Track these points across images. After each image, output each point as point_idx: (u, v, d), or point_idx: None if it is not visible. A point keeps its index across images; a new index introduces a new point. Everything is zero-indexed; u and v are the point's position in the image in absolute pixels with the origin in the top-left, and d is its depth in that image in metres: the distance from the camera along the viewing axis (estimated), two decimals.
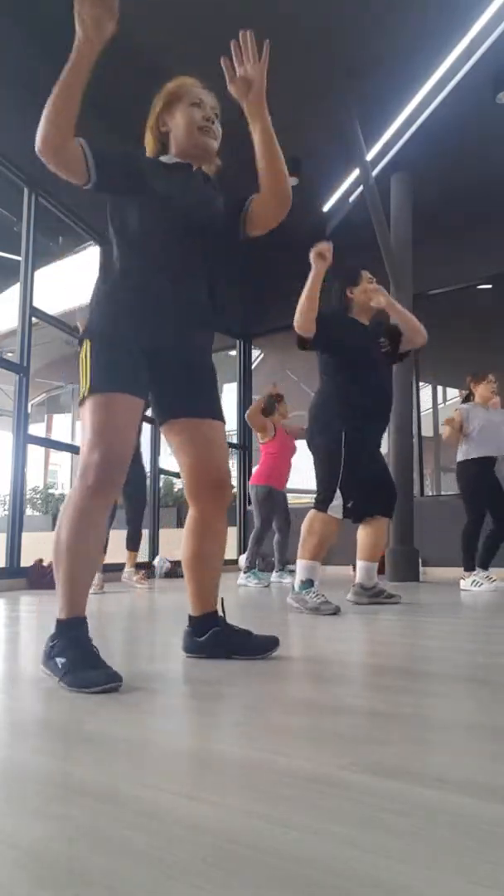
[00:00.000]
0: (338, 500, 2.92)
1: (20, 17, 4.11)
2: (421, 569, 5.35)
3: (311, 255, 2.89)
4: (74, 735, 1.05)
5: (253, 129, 1.60)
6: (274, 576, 5.16)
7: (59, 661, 1.38)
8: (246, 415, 5.21)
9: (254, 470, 5.39)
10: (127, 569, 4.72)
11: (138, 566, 4.82)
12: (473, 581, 4.19)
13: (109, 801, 0.77)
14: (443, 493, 7.48)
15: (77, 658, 1.37)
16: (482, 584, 4.14)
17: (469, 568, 4.30)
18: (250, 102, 1.58)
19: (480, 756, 0.93)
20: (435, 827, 0.69)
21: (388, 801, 0.76)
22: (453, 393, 8.52)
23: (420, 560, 5.36)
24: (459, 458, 4.54)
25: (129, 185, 1.58)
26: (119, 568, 4.76)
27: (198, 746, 0.98)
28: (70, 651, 1.38)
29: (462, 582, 4.29)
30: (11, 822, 0.72)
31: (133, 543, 4.75)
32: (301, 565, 2.94)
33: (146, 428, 5.26)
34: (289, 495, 5.26)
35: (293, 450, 5.20)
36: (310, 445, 3.13)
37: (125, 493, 4.59)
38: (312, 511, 2.97)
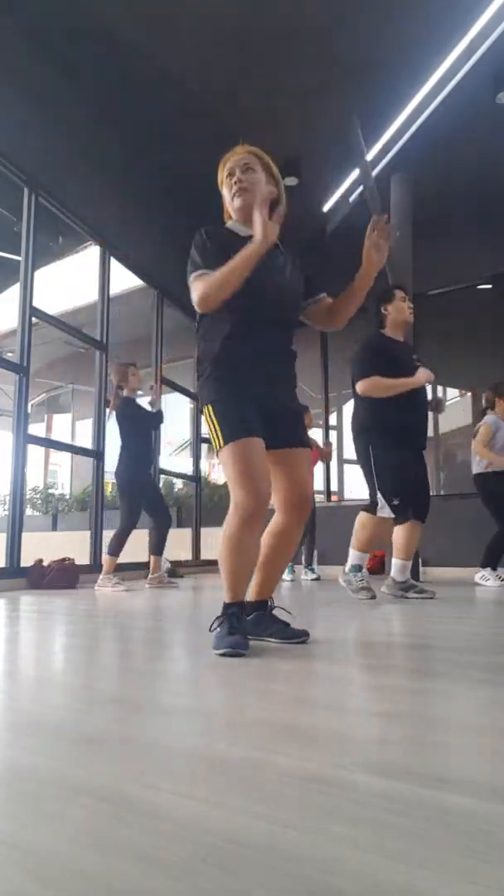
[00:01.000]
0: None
1: (22, 21, 4.11)
2: (421, 569, 5.35)
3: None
4: (74, 735, 1.05)
5: (359, 283, 1.97)
6: (302, 574, 5.51)
7: (216, 629, 1.83)
8: None
9: None
10: (151, 575, 4.81)
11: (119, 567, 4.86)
12: (482, 576, 4.39)
13: (109, 801, 0.77)
14: (443, 493, 7.48)
15: (225, 630, 1.79)
16: (490, 579, 4.32)
17: (486, 565, 4.48)
18: (375, 262, 1.92)
19: (480, 756, 0.93)
20: (435, 827, 0.69)
21: (388, 801, 0.76)
22: (453, 393, 8.52)
23: (420, 560, 5.36)
24: (480, 469, 4.60)
25: None
26: (136, 567, 4.79)
27: (198, 746, 0.98)
28: (224, 625, 1.81)
29: (476, 576, 4.53)
30: (11, 822, 0.72)
31: (158, 549, 4.85)
32: (352, 554, 3.48)
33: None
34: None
35: (314, 461, 5.43)
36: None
37: (154, 518, 4.80)
38: (361, 512, 3.44)
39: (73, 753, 0.96)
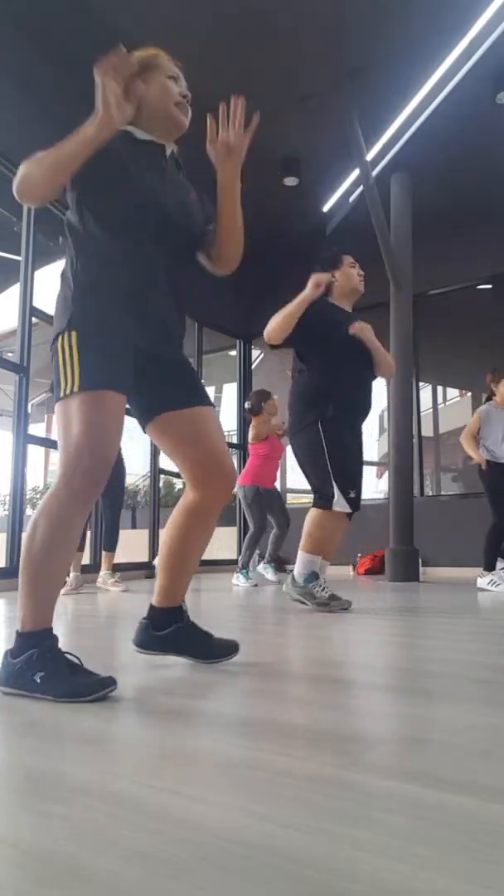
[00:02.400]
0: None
1: (20, 20, 4.11)
2: (421, 569, 5.35)
3: (310, 281, 2.92)
4: (74, 735, 1.05)
5: (221, 194, 1.59)
6: (260, 567, 5.13)
7: (39, 675, 1.27)
8: (251, 440, 5.08)
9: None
10: (102, 571, 4.53)
11: (115, 568, 4.62)
12: (491, 581, 4.24)
13: (109, 800, 0.77)
14: (443, 493, 7.48)
15: (60, 668, 1.29)
16: (500, 584, 4.18)
17: (489, 567, 4.35)
18: (226, 169, 1.55)
19: (480, 756, 0.93)
20: (435, 827, 0.69)
21: (388, 801, 0.76)
22: (453, 393, 8.53)
23: (420, 560, 5.36)
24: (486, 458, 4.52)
25: (108, 179, 1.49)
26: (134, 567, 4.76)
27: (197, 746, 0.98)
28: (50, 663, 1.29)
29: (479, 580, 4.34)
30: (11, 822, 0.72)
31: (110, 543, 4.58)
32: (301, 558, 2.89)
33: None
34: (289, 495, 5.23)
35: (281, 450, 5.18)
36: (291, 443, 3.07)
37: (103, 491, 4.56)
38: (312, 509, 2.92)
39: (73, 753, 0.96)
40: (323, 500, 2.87)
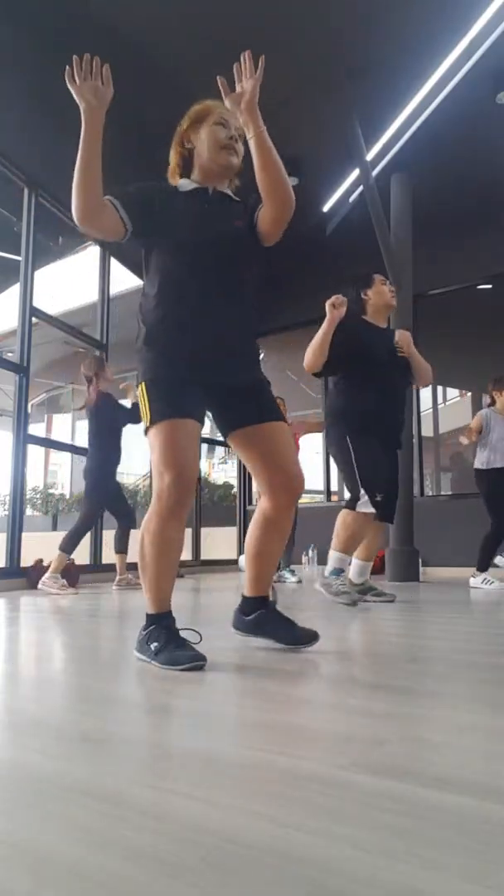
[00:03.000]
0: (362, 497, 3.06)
1: (21, 21, 4.11)
2: (421, 569, 5.35)
3: (326, 305, 3.04)
4: (74, 735, 1.05)
5: (248, 138, 1.69)
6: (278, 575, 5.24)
7: (153, 645, 1.58)
8: None
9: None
10: (120, 576, 4.60)
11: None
12: (485, 580, 4.29)
13: (109, 800, 0.77)
14: (443, 493, 7.48)
15: (167, 641, 1.57)
16: (493, 581, 4.24)
17: (482, 569, 4.39)
18: (243, 111, 1.66)
19: (480, 756, 0.93)
20: (435, 827, 0.69)
21: (388, 801, 0.76)
22: (453, 393, 8.52)
23: (420, 560, 5.36)
24: (480, 465, 4.53)
25: (156, 227, 1.71)
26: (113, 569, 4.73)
27: (198, 746, 0.98)
28: (162, 636, 1.58)
29: (472, 580, 4.40)
30: (11, 822, 0.72)
31: (122, 545, 4.67)
32: (332, 556, 3.17)
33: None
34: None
35: (297, 451, 5.27)
36: (328, 449, 3.32)
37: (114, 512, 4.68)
38: (342, 510, 3.14)
39: (73, 753, 0.96)
40: (350, 501, 3.10)
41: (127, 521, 4.69)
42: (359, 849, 0.64)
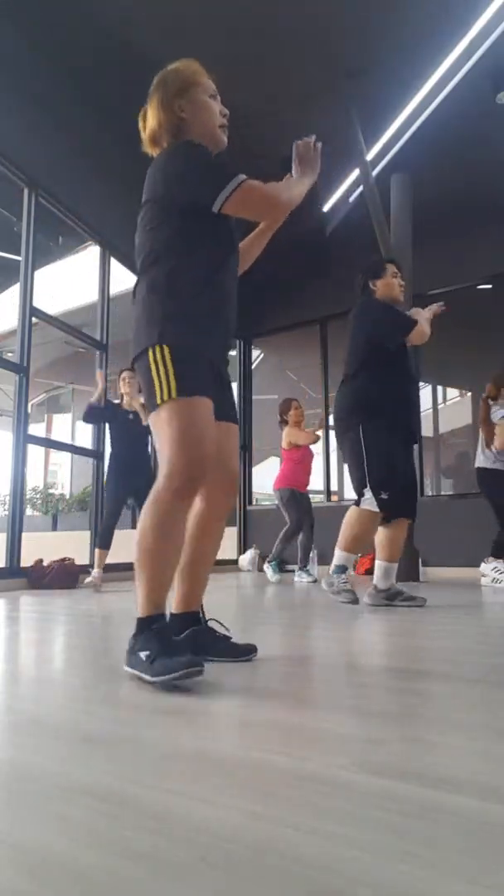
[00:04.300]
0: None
1: (22, 23, 4.11)
2: (421, 569, 5.35)
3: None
4: (74, 735, 1.05)
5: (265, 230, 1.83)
6: (295, 577, 5.35)
7: (143, 654, 1.39)
8: (284, 447, 5.53)
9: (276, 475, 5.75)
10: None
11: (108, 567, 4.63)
12: (495, 568, 4.27)
13: (109, 801, 0.77)
14: (443, 493, 7.48)
15: (159, 649, 1.38)
16: (502, 581, 4.21)
17: (497, 555, 4.35)
18: (308, 171, 1.71)
19: (480, 756, 0.93)
20: (435, 827, 0.69)
21: (388, 801, 0.76)
22: (453, 393, 8.52)
23: (420, 560, 5.36)
24: (488, 464, 4.51)
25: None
26: (124, 567, 4.72)
27: (198, 746, 0.98)
28: (153, 643, 1.40)
29: (483, 566, 4.36)
30: (11, 822, 0.72)
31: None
32: (337, 553, 3.10)
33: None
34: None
35: (312, 456, 5.63)
36: (338, 443, 3.20)
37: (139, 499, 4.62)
38: (350, 508, 3.06)
39: (73, 753, 0.96)
40: (357, 498, 3.02)
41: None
42: (359, 849, 0.64)
